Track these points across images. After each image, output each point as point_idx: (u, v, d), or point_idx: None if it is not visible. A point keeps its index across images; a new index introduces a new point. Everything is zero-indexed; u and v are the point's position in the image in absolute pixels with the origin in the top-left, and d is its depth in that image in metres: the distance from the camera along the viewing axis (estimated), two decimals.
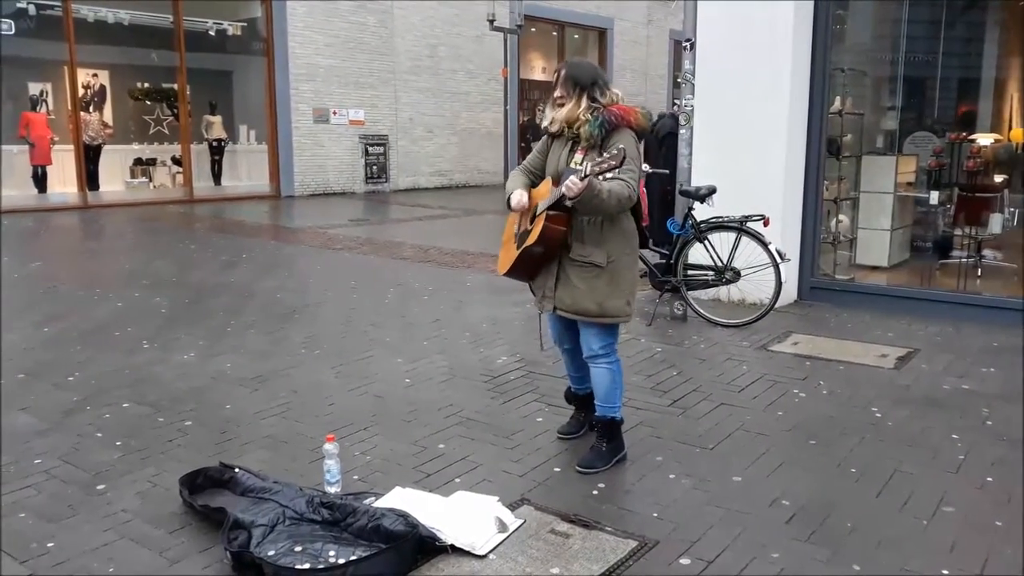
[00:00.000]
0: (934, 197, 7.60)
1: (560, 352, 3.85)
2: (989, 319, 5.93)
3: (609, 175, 3.14)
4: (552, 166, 3.50)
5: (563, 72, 3.41)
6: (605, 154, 3.11)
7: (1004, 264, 7.43)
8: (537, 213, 3.41)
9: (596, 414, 3.59)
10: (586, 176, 3.07)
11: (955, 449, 3.72)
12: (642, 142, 3.56)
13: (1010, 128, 8.97)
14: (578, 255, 3.39)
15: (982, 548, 2.85)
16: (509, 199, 3.52)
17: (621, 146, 3.10)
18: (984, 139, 8.35)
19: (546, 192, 3.42)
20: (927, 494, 3.26)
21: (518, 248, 3.51)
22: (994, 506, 3.16)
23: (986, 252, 7.48)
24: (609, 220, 3.38)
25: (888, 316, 6.18)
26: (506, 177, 18.89)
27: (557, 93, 3.42)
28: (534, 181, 3.61)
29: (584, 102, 3.36)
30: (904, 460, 3.59)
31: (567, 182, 3.11)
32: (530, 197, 3.52)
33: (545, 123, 3.52)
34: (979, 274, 7.29)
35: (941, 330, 5.80)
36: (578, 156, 3.37)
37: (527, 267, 3.53)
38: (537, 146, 3.65)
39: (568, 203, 3.18)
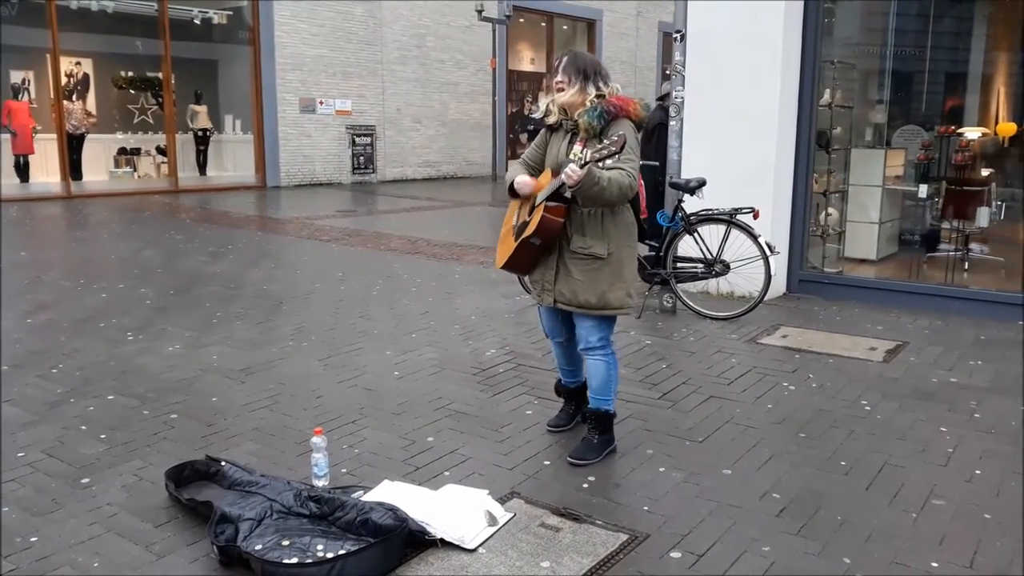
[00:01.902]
0: (923, 190, 7.62)
1: (552, 345, 3.81)
2: (977, 312, 5.96)
3: (610, 163, 3.11)
4: (552, 158, 3.46)
5: (565, 59, 3.37)
6: (605, 140, 3.08)
7: (991, 257, 7.47)
8: (536, 204, 3.37)
9: (590, 406, 3.57)
10: (586, 164, 3.04)
11: (944, 442, 3.73)
12: (640, 133, 3.54)
13: (997, 122, 9.02)
14: (578, 247, 3.35)
15: (972, 540, 2.85)
16: (512, 184, 3.47)
17: (622, 132, 3.08)
18: (972, 133, 8.39)
19: (546, 183, 3.38)
20: (917, 487, 3.26)
21: (516, 240, 3.47)
22: (983, 499, 3.17)
23: (973, 245, 7.51)
24: (610, 212, 3.34)
25: (877, 309, 6.20)
26: (494, 168, 18.92)
27: (558, 78, 3.35)
28: (533, 175, 3.54)
29: (589, 89, 3.32)
30: (894, 453, 3.59)
31: (566, 170, 3.07)
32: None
33: (539, 114, 3.48)
34: (966, 267, 7.33)
35: (929, 323, 5.82)
36: (577, 147, 3.32)
37: (524, 260, 3.49)
38: (536, 140, 3.60)
39: (568, 192, 3.15)
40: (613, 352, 3.53)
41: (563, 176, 3.09)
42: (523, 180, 3.45)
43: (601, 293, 3.36)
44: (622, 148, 3.01)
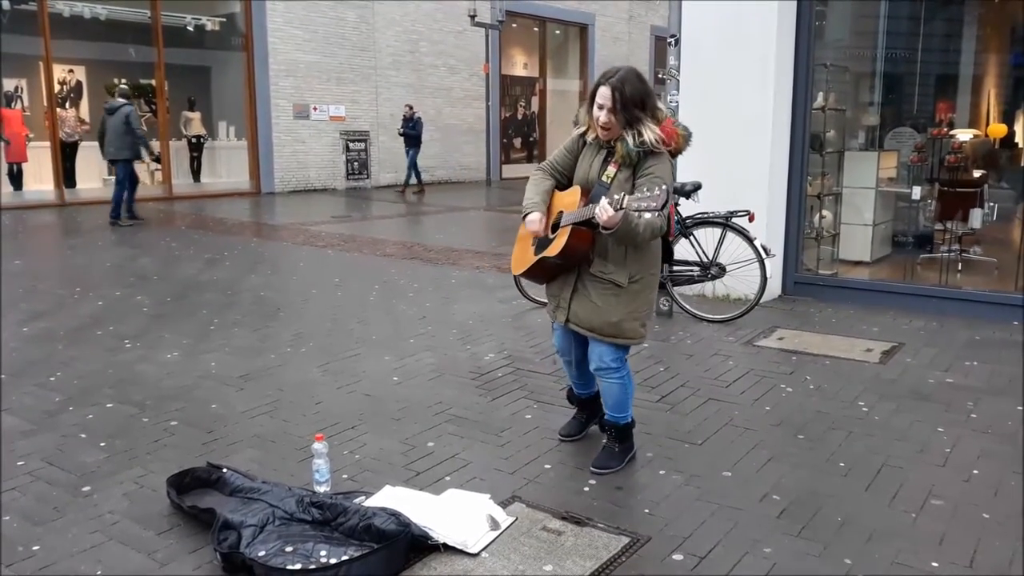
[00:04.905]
0: (916, 192, 7.67)
1: (562, 362, 3.76)
2: (971, 313, 5.99)
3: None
4: (583, 173, 3.33)
5: (617, 98, 3.11)
6: (645, 190, 2.94)
7: (984, 258, 7.52)
8: (561, 224, 3.27)
9: (607, 420, 3.52)
10: (621, 208, 2.93)
11: (942, 442, 3.75)
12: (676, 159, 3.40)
13: (988, 123, 9.07)
14: (599, 271, 3.26)
15: (971, 540, 2.87)
16: (525, 216, 3.34)
17: (664, 186, 2.90)
18: (963, 135, 8.43)
19: (573, 202, 3.26)
20: (915, 487, 3.28)
21: (535, 253, 3.39)
22: (982, 498, 3.19)
23: (967, 246, 7.55)
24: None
25: (872, 310, 6.23)
26: (488, 173, 18.95)
27: (604, 119, 3.15)
28: (559, 181, 3.43)
29: (634, 129, 3.15)
30: (892, 454, 3.61)
31: (600, 207, 2.97)
32: (551, 204, 3.38)
33: (578, 131, 3.35)
34: (960, 268, 7.37)
35: (925, 324, 5.85)
36: (611, 170, 3.22)
37: (542, 274, 3.46)
38: (566, 143, 3.45)
39: (602, 231, 3.07)
40: (628, 371, 3.46)
41: (597, 213, 2.99)
42: (534, 225, 3.31)
43: (616, 322, 3.27)
44: (663, 207, 2.87)
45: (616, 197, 2.98)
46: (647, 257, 3.31)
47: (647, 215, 2.94)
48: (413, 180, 16.51)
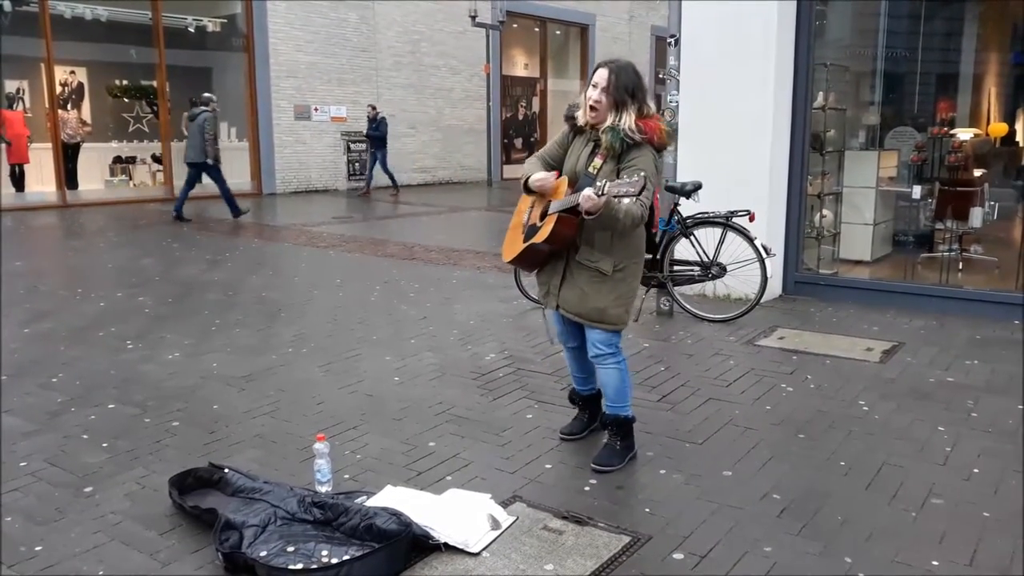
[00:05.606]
0: (916, 191, 7.66)
1: (565, 350, 3.81)
2: (972, 312, 6.00)
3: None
4: (571, 163, 3.45)
5: (613, 78, 3.29)
6: (625, 177, 3.08)
7: (985, 257, 7.52)
8: (549, 212, 3.38)
9: (608, 413, 3.56)
10: (603, 195, 3.05)
11: (942, 441, 3.76)
12: (661, 155, 3.48)
13: (988, 122, 9.06)
14: (585, 259, 3.37)
15: (971, 539, 2.88)
16: (528, 179, 3.45)
17: (643, 173, 3.04)
18: (964, 134, 8.43)
19: (561, 192, 3.38)
20: (916, 486, 3.29)
21: (524, 241, 3.50)
22: (982, 497, 3.19)
23: (967, 245, 7.55)
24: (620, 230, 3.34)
25: (872, 310, 6.24)
26: (489, 173, 18.96)
27: (595, 97, 3.30)
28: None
29: (622, 115, 3.28)
30: (892, 453, 3.62)
31: (584, 195, 3.08)
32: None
33: (581, 120, 3.43)
34: (960, 267, 7.37)
35: (925, 323, 5.85)
36: (597, 161, 3.33)
37: (531, 261, 3.55)
38: (557, 137, 3.59)
39: (585, 217, 3.17)
40: (624, 358, 3.53)
41: (580, 199, 3.10)
42: (542, 177, 3.42)
43: (602, 308, 3.38)
44: (640, 192, 3.00)
45: (599, 184, 3.11)
46: (631, 247, 3.43)
47: (626, 201, 3.07)
48: (391, 181, 16.37)
